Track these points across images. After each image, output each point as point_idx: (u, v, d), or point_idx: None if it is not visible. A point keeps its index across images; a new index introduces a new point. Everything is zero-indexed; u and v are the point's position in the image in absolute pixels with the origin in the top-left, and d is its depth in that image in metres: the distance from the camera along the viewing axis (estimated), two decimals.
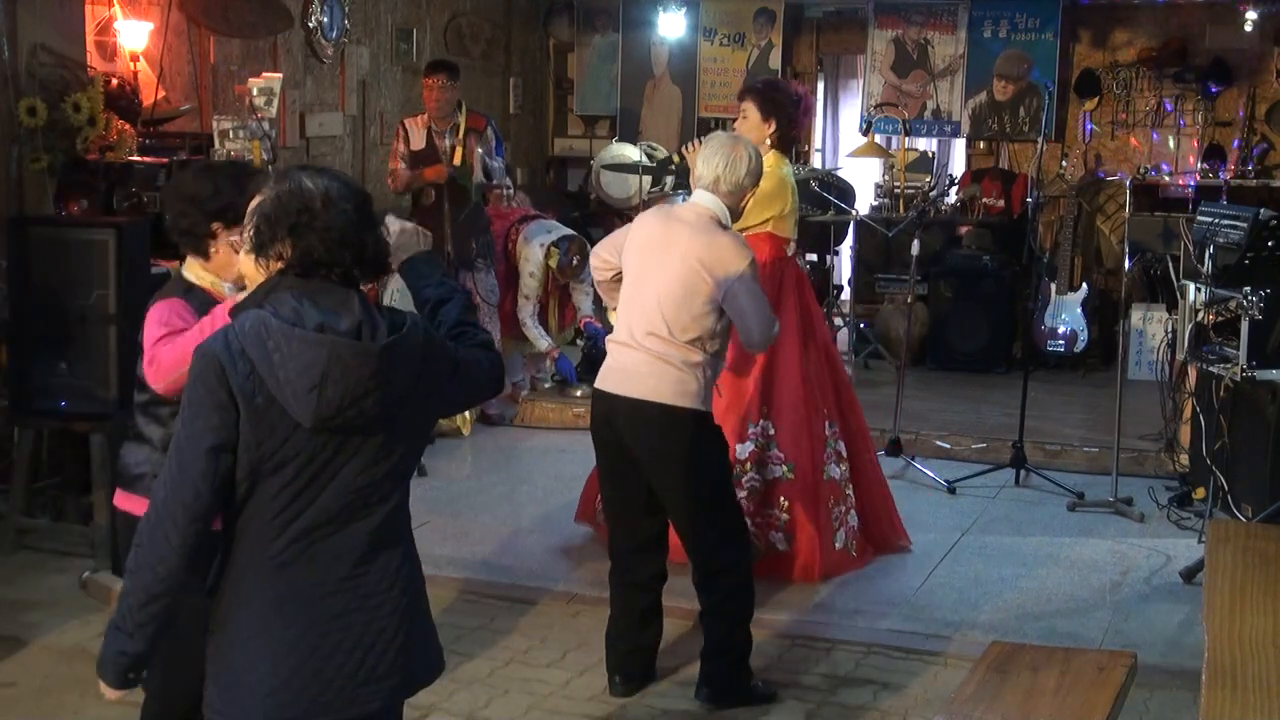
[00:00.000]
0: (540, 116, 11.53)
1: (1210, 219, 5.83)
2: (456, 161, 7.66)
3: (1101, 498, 6.60)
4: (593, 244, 8.85)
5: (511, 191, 8.74)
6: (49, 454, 6.10)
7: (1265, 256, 5.64)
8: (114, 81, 6.51)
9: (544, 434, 7.95)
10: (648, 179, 9.17)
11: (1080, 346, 8.59)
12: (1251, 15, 9.13)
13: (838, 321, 9.40)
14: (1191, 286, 5.75)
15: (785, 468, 5.51)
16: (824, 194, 9.02)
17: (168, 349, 3.21)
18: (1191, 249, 5.90)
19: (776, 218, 5.44)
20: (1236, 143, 9.68)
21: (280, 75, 6.96)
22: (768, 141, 5.42)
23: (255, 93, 6.58)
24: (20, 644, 4.99)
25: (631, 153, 10.13)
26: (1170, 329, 6.58)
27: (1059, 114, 10.03)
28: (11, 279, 5.81)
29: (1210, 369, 5.81)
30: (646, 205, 8.45)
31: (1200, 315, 5.70)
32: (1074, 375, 8.94)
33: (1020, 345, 8.89)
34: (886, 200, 10.13)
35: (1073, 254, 8.98)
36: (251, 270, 2.64)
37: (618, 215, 10.56)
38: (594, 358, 8.20)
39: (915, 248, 7.49)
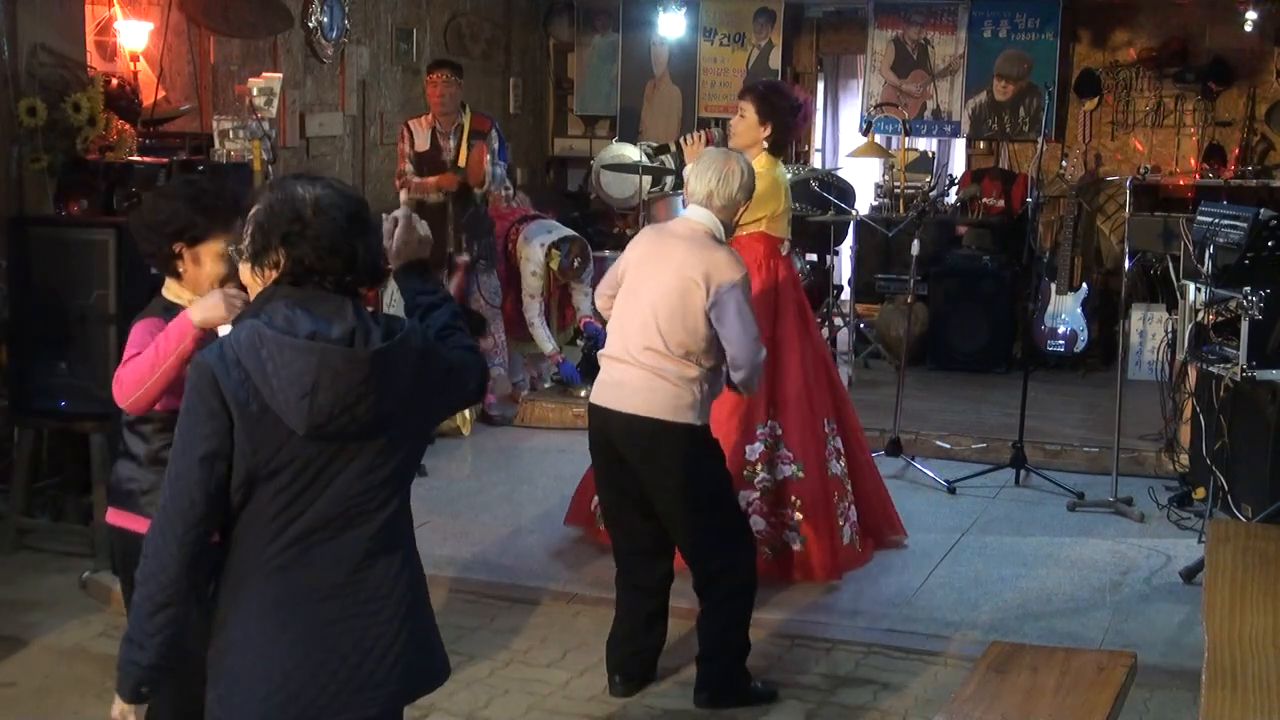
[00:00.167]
0: (540, 116, 11.54)
1: (1210, 219, 5.83)
2: (461, 163, 7.67)
3: (1101, 498, 6.60)
4: (593, 244, 8.93)
5: (511, 192, 8.75)
6: (49, 454, 6.10)
7: (1265, 256, 5.64)
8: (114, 81, 6.51)
9: (544, 434, 7.94)
10: (648, 179, 9.17)
11: (1080, 346, 8.59)
12: (1251, 15, 9.13)
13: (838, 321, 9.40)
14: (1191, 286, 5.75)
15: (795, 467, 5.53)
16: (824, 194, 9.02)
17: (128, 370, 3.28)
18: (1191, 249, 5.90)
19: (769, 218, 5.47)
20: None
21: (280, 75, 6.96)
22: (763, 144, 5.45)
23: (255, 93, 6.58)
24: (20, 644, 4.99)
25: (631, 153, 10.14)
26: (1170, 329, 6.59)
27: (1059, 114, 10.03)
28: (11, 279, 5.82)
29: (1210, 369, 5.81)
30: (646, 205, 8.45)
31: (1200, 315, 5.69)
32: (1074, 375, 8.94)
33: (1020, 345, 8.88)
34: (886, 200, 10.14)
35: (1073, 254, 8.97)
36: (249, 279, 2.66)
37: (618, 215, 10.57)
38: (594, 358, 8.18)
39: (915, 248, 7.48)
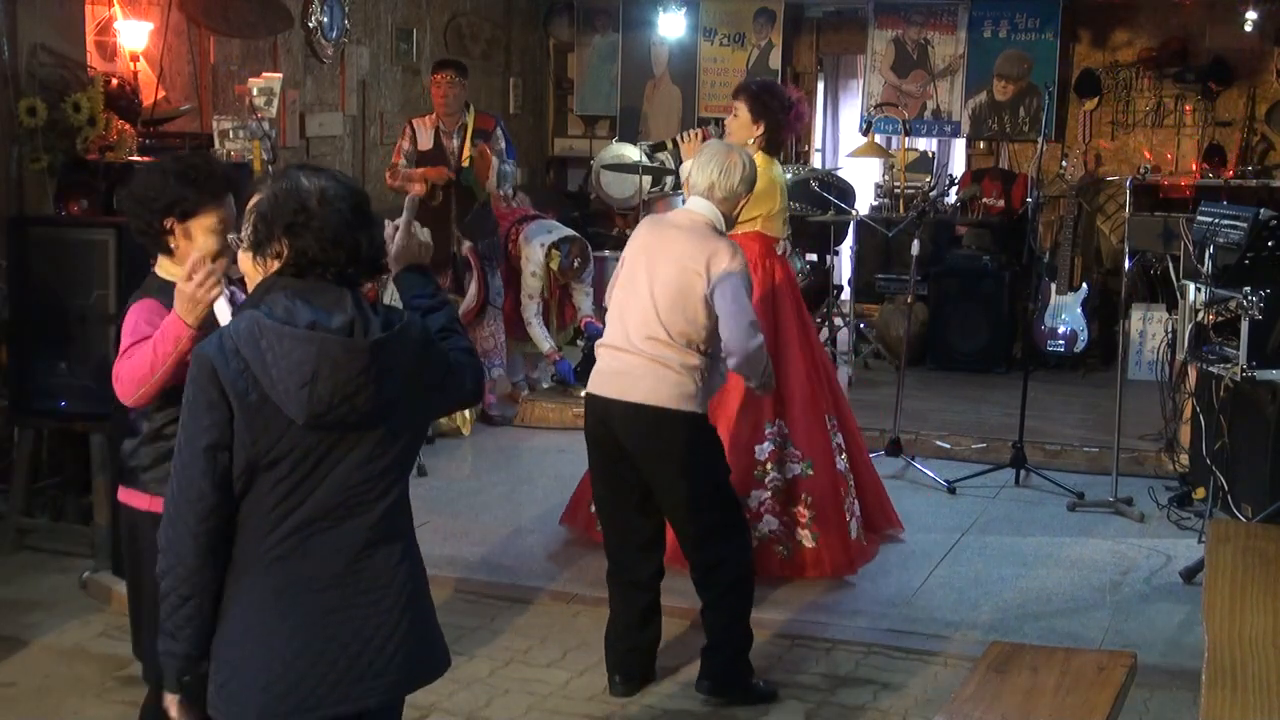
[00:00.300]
0: (540, 116, 11.54)
1: (1210, 219, 5.83)
2: (464, 163, 7.66)
3: (1101, 498, 6.59)
4: (593, 244, 8.93)
5: (511, 192, 8.75)
6: (49, 454, 6.10)
7: (1265, 256, 5.64)
8: (114, 81, 6.51)
9: (544, 434, 7.94)
10: (648, 179, 9.17)
11: (1080, 346, 8.59)
12: (1251, 15, 9.13)
13: (838, 321, 9.40)
14: (1191, 286, 5.75)
15: (804, 464, 5.56)
16: (824, 194, 9.02)
17: (126, 365, 3.28)
18: (1191, 249, 5.90)
19: (765, 217, 5.49)
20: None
21: (280, 75, 6.96)
22: (754, 142, 5.47)
23: (255, 93, 6.58)
24: (20, 644, 4.99)
25: (631, 153, 10.13)
26: (1170, 329, 6.58)
27: (1059, 114, 10.03)
28: (11, 279, 5.81)
29: (1210, 369, 5.80)
30: (646, 205, 8.46)
31: (1200, 315, 5.69)
32: (1074, 375, 8.94)
33: (1020, 345, 8.88)
34: (886, 200, 10.13)
35: (1073, 254, 8.97)
36: (249, 268, 2.67)
37: (618, 215, 10.57)
38: (594, 358, 8.19)
39: (915, 248, 7.48)
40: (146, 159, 6.30)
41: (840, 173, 9.90)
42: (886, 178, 10.36)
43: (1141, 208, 8.33)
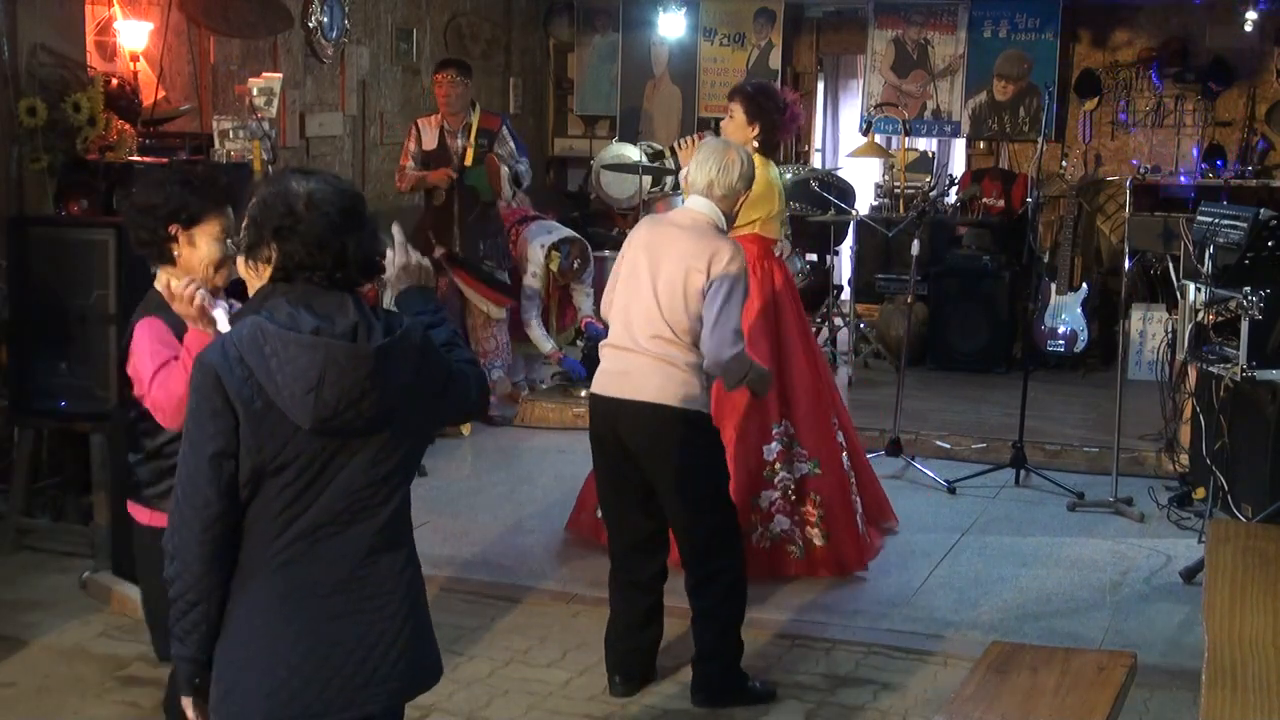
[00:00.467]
0: (540, 116, 11.54)
1: (1210, 219, 5.83)
2: (468, 162, 7.66)
3: (1101, 498, 6.59)
4: (593, 244, 8.93)
5: (512, 193, 8.75)
6: (49, 454, 6.10)
7: (1265, 256, 5.64)
8: (114, 81, 6.51)
9: (544, 434, 7.94)
10: (648, 179, 9.17)
11: (1080, 346, 8.58)
12: (1251, 15, 9.13)
13: (838, 321, 9.40)
14: (1191, 286, 5.75)
15: (810, 464, 5.59)
16: (824, 194, 9.02)
17: (162, 395, 3.27)
18: (1191, 249, 5.90)
19: (764, 219, 5.52)
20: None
21: (280, 75, 6.96)
22: (753, 144, 5.48)
23: (255, 93, 6.58)
24: (20, 644, 4.99)
25: (631, 153, 10.13)
26: (1170, 329, 6.59)
27: (1059, 114, 10.03)
28: (11, 279, 5.81)
29: (1210, 369, 5.80)
30: (646, 205, 8.46)
31: (1200, 315, 5.69)
32: (1074, 375, 8.94)
33: (1020, 345, 8.88)
34: (886, 200, 10.13)
35: (1073, 254, 8.97)
36: (245, 273, 2.69)
37: (618, 215, 10.57)
38: (594, 358, 8.19)
39: (915, 248, 7.48)
40: (146, 159, 6.31)
41: (840, 173, 9.90)
42: (886, 178, 10.36)
43: (1141, 208, 8.33)
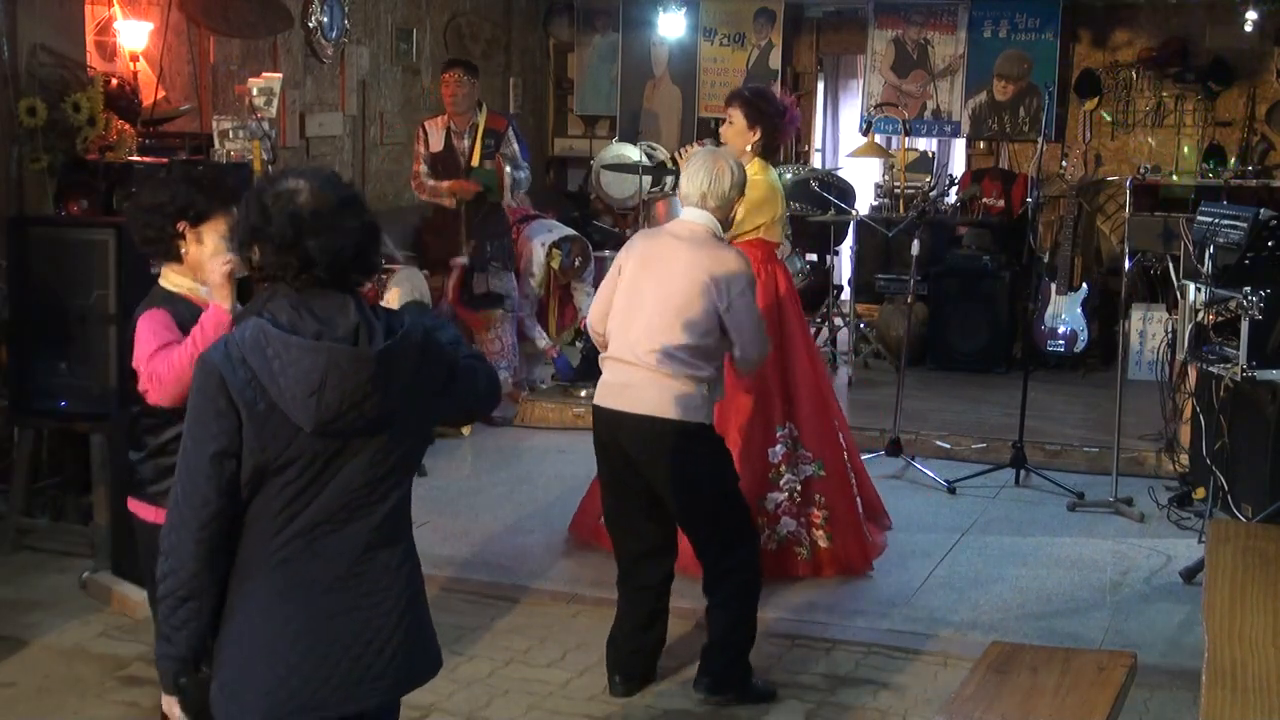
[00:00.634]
0: (540, 116, 11.53)
1: (1210, 219, 5.83)
2: (474, 163, 7.66)
3: (1101, 498, 6.59)
4: (593, 244, 8.94)
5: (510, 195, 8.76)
6: (49, 454, 6.10)
7: (1265, 256, 5.64)
8: (114, 81, 6.51)
9: (544, 434, 7.94)
10: (648, 179, 9.17)
11: (1080, 346, 8.59)
12: (1251, 15, 9.12)
13: (838, 321, 9.40)
14: (1191, 286, 5.75)
15: (814, 465, 5.62)
16: (824, 194, 9.02)
17: (163, 367, 3.33)
18: (1191, 249, 5.90)
19: (768, 224, 5.54)
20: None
21: (280, 75, 6.96)
22: (751, 149, 5.49)
23: (255, 93, 6.58)
24: (20, 644, 4.99)
25: (631, 153, 10.13)
26: (1170, 329, 6.58)
27: (1059, 114, 10.03)
28: (11, 279, 5.81)
29: (1210, 369, 5.80)
30: (646, 205, 8.46)
31: (1200, 315, 5.69)
32: (1074, 375, 8.94)
33: (1020, 345, 8.88)
34: (886, 200, 10.13)
35: (1073, 254, 8.97)
36: (243, 273, 2.75)
37: (618, 215, 10.57)
38: (593, 359, 8.20)
39: (915, 248, 7.48)
40: (146, 159, 6.31)
41: (840, 173, 9.90)
42: (886, 178, 10.36)
43: (1141, 208, 8.33)
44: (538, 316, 8.49)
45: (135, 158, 6.30)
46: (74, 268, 5.63)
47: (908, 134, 10.26)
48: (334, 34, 8.56)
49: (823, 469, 5.62)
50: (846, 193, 9.34)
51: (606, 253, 8.98)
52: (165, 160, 6.36)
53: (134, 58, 6.82)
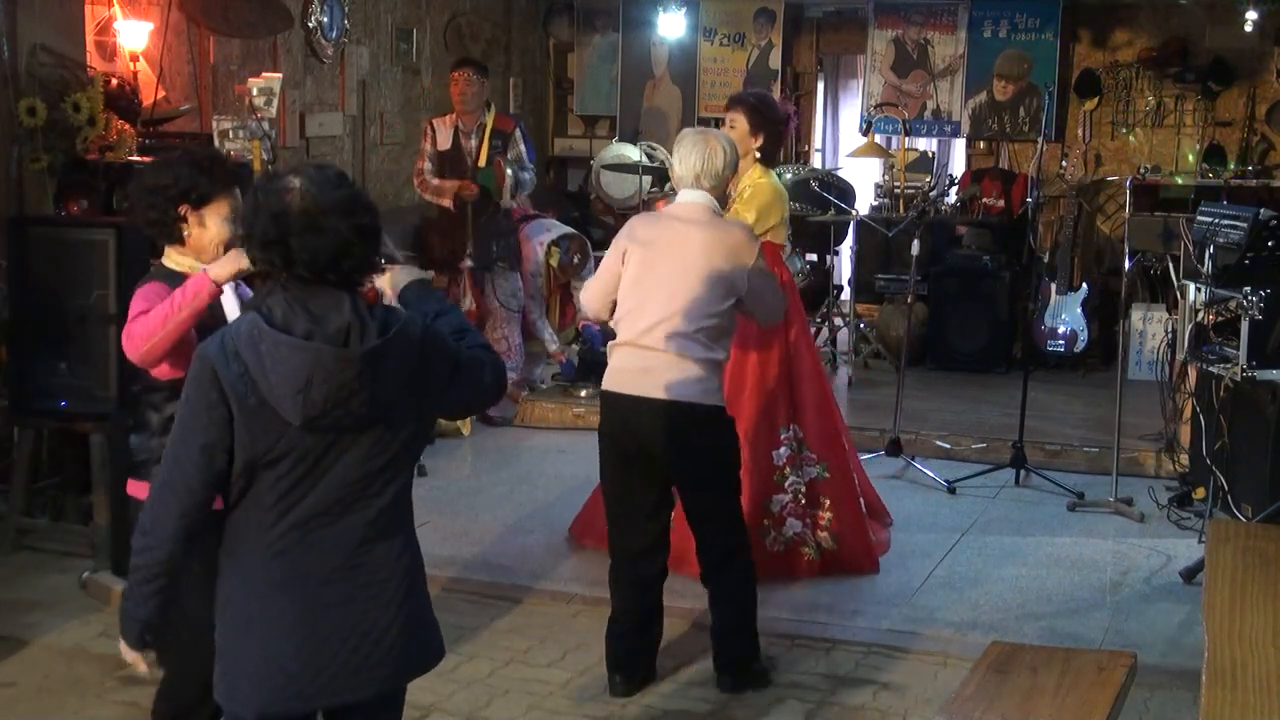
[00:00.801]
0: (540, 116, 11.53)
1: (1210, 219, 5.83)
2: (481, 163, 7.65)
3: (1101, 498, 6.59)
4: (593, 243, 8.93)
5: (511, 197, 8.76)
6: (49, 454, 6.10)
7: (1265, 256, 5.64)
8: (114, 81, 6.51)
9: (544, 434, 7.94)
10: (648, 179, 9.17)
11: (1080, 346, 8.59)
12: (1251, 15, 9.12)
13: (838, 321, 9.40)
14: (1191, 286, 5.75)
15: (819, 467, 5.65)
16: (824, 194, 9.02)
17: (139, 322, 3.36)
18: (1191, 249, 5.90)
19: (775, 227, 5.54)
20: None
21: (280, 75, 6.96)
22: (755, 155, 5.50)
23: (255, 93, 6.58)
24: (20, 644, 4.99)
25: (631, 153, 10.13)
26: (1170, 329, 6.58)
27: (1059, 114, 10.03)
28: (11, 279, 5.81)
29: (1210, 369, 5.80)
30: (646, 205, 8.46)
31: (1200, 315, 5.69)
32: (1074, 375, 8.94)
33: (1020, 345, 8.88)
34: (886, 200, 10.13)
35: (1073, 254, 8.97)
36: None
37: (618, 215, 10.57)
38: (590, 360, 8.23)
39: (915, 248, 7.49)
40: (146, 159, 6.31)
41: (840, 173, 9.90)
42: (886, 178, 10.36)
43: (1141, 208, 8.33)
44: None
45: (135, 158, 6.29)
46: (74, 268, 5.64)
47: (908, 134, 10.26)
48: (334, 34, 8.56)
49: (827, 471, 5.65)
50: (846, 193, 9.34)
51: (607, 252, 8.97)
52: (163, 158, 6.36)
53: (134, 58, 6.82)
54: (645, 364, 4.45)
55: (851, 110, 11.28)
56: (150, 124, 6.79)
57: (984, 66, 10.33)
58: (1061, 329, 8.53)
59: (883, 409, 7.53)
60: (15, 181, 6.17)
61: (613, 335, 4.68)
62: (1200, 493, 6.17)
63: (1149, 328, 8.55)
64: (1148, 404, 6.94)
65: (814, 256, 9.41)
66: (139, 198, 3.52)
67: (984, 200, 9.96)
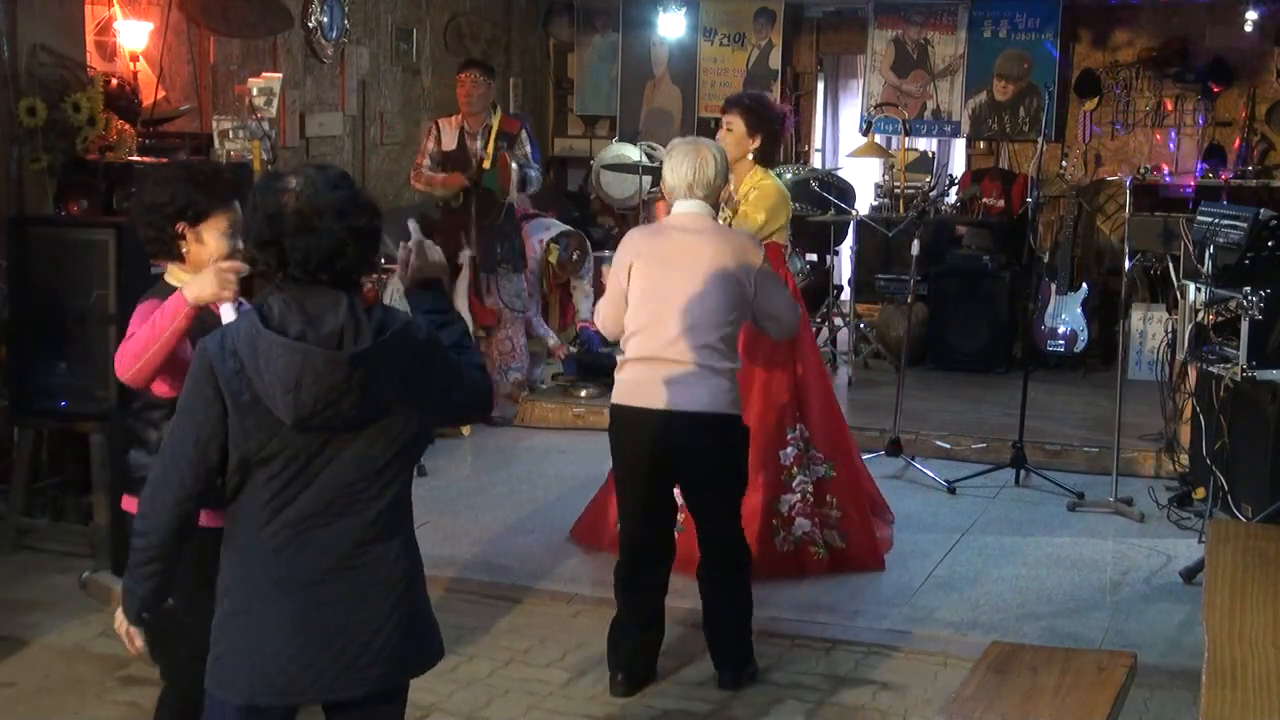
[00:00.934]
0: (540, 116, 11.53)
1: (1210, 219, 5.83)
2: (487, 165, 7.65)
3: (1101, 498, 6.59)
4: (592, 241, 8.93)
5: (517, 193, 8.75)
6: (49, 454, 6.10)
7: (1265, 256, 5.64)
8: (114, 81, 6.51)
9: (544, 434, 7.94)
10: (647, 179, 9.17)
11: (1080, 346, 8.58)
12: (1251, 15, 9.12)
13: (838, 321, 9.40)
14: (1191, 286, 5.75)
15: (825, 467, 5.68)
16: (824, 194, 9.02)
17: (129, 343, 3.36)
18: (1191, 249, 5.90)
19: (780, 229, 5.55)
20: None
21: (280, 75, 6.96)
22: (751, 156, 5.50)
23: (255, 93, 6.58)
24: (20, 644, 4.99)
25: (631, 153, 10.13)
26: (1170, 329, 6.58)
27: (1059, 114, 10.03)
28: (11, 279, 5.81)
29: (1210, 369, 5.80)
30: (646, 205, 8.47)
31: (1200, 315, 5.69)
32: (1074, 375, 8.93)
33: (1020, 345, 8.88)
34: (886, 200, 10.13)
35: (1073, 254, 8.97)
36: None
37: (618, 215, 10.57)
38: (587, 362, 8.24)
39: (915, 248, 7.48)
40: (146, 159, 6.31)
41: (840, 173, 9.90)
42: (886, 178, 10.36)
43: (1141, 208, 8.33)
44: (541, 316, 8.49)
45: (135, 158, 6.30)
46: (74, 268, 5.64)
47: (908, 134, 10.26)
48: (334, 34, 8.56)
49: (834, 470, 5.68)
50: (846, 193, 9.34)
51: (606, 252, 8.98)
52: (165, 160, 6.36)
53: (134, 58, 6.82)
54: (669, 376, 4.44)
55: (851, 110, 11.28)
56: (150, 124, 6.79)
57: (984, 66, 10.34)
58: (1061, 329, 8.53)
59: (883, 409, 7.53)
60: (15, 181, 6.17)
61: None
62: (1200, 493, 6.17)
63: (1149, 328, 8.55)
64: (1148, 404, 6.94)
65: (814, 256, 9.42)
66: (137, 215, 3.51)
67: (984, 200, 9.96)
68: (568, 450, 7.51)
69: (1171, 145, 9.86)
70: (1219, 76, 9.76)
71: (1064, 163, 9.02)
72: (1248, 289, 5.41)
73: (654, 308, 4.48)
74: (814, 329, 8.32)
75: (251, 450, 2.62)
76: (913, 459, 7.14)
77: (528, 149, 7.82)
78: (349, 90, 8.87)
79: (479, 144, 7.68)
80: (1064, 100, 10.15)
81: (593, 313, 8.45)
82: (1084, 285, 8.71)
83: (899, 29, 10.55)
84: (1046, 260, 8.76)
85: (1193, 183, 9.42)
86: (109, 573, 5.46)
